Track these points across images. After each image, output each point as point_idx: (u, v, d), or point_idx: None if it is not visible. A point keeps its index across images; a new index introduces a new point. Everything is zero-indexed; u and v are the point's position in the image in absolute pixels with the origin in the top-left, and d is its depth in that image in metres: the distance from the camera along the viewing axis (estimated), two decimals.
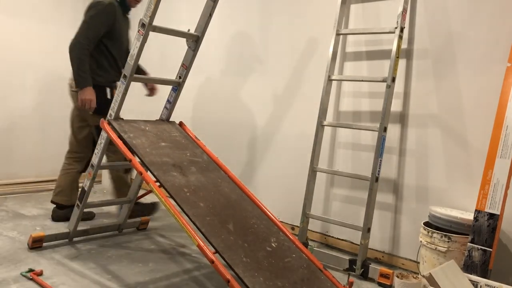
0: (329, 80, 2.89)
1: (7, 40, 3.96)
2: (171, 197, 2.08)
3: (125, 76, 2.43)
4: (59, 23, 4.29)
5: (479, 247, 2.15)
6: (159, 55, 4.21)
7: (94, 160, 2.57)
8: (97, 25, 2.81)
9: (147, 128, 2.53)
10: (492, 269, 2.14)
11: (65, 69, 4.35)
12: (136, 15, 4.53)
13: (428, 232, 2.38)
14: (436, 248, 2.33)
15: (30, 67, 4.13)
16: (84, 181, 2.63)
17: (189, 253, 2.74)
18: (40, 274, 2.24)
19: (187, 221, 2.00)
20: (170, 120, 2.79)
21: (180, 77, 2.68)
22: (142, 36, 2.34)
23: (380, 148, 2.59)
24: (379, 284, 2.46)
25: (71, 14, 4.37)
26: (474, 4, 2.47)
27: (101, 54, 2.91)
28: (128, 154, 2.27)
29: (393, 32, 2.62)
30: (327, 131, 3.08)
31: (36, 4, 4.12)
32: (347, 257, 2.64)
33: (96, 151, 2.57)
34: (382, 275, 2.45)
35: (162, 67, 4.14)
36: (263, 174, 3.50)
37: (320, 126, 2.88)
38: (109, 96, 2.93)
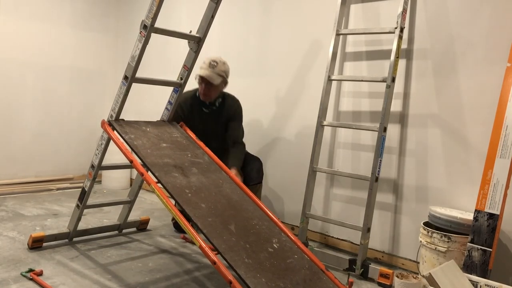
0: (329, 80, 2.89)
1: (7, 40, 3.95)
2: (173, 198, 2.08)
3: (126, 78, 2.42)
4: (58, 22, 4.29)
5: (479, 247, 2.16)
6: (160, 56, 4.20)
7: (95, 160, 2.57)
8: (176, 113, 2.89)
9: (148, 129, 2.53)
10: (492, 269, 2.15)
11: (65, 69, 4.38)
12: (138, 16, 4.53)
13: (428, 232, 2.39)
14: (436, 248, 2.34)
15: (30, 66, 4.13)
16: (84, 182, 2.63)
17: (189, 253, 2.74)
18: (40, 274, 2.25)
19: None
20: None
21: (181, 78, 2.67)
22: (144, 38, 2.33)
23: (380, 148, 2.60)
24: (379, 284, 2.46)
25: (70, 14, 4.36)
26: (474, 4, 2.48)
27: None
28: (129, 155, 2.27)
29: (393, 32, 2.62)
30: (327, 131, 3.08)
31: (36, 4, 4.11)
32: (347, 257, 2.65)
33: (96, 151, 2.56)
34: (382, 275, 2.46)
35: (163, 68, 4.14)
36: (263, 174, 3.49)
37: (320, 126, 2.88)
38: None
